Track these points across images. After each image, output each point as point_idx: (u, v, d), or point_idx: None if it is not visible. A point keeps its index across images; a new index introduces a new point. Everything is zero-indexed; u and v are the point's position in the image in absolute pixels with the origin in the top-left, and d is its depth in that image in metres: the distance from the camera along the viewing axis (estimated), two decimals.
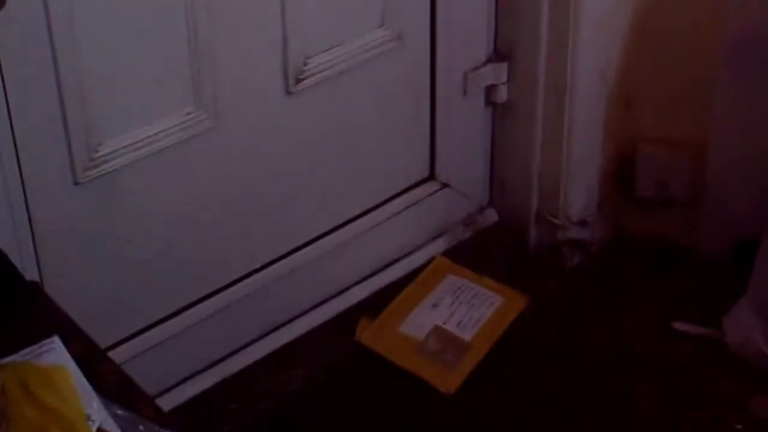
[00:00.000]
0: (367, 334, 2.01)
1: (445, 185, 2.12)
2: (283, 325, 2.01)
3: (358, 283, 2.08)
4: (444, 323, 2.02)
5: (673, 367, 1.98)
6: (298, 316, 2.02)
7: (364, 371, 1.98)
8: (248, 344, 1.97)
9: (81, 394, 1.08)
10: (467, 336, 2.00)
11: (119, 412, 1.10)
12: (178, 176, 1.75)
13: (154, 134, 1.69)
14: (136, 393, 1.15)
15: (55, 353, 1.14)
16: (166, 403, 1.86)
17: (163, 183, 1.74)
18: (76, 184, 1.64)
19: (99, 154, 1.64)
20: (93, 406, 1.08)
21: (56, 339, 1.15)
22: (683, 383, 1.95)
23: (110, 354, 1.77)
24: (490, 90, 2.09)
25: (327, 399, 1.94)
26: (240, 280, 1.93)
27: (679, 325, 2.04)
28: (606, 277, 2.14)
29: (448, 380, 1.94)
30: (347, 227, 2.04)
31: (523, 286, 2.10)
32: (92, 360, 1.16)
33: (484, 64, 2.07)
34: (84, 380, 1.11)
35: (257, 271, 1.94)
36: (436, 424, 1.90)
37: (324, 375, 1.97)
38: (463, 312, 2.03)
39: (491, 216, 2.21)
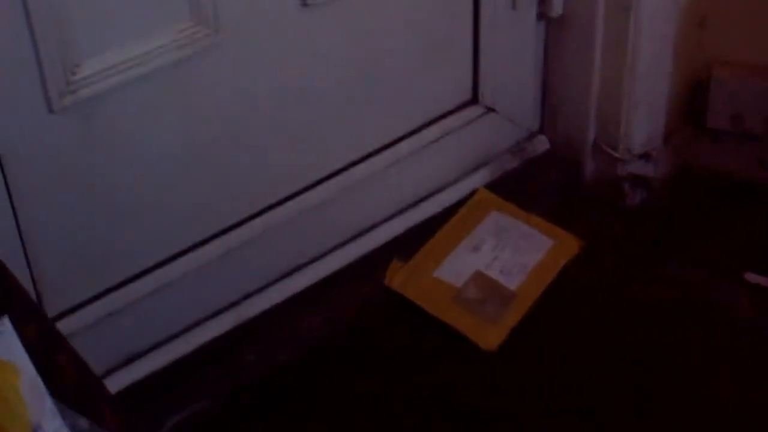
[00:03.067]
0: (398, 278, 1.78)
1: (489, 109, 1.87)
2: (303, 266, 1.77)
3: (389, 219, 1.84)
4: (486, 269, 1.78)
5: (742, 323, 1.74)
6: (319, 257, 1.79)
7: (394, 320, 1.76)
8: (264, 287, 1.74)
9: (29, 401, 0.86)
10: (511, 284, 1.76)
11: (78, 422, 0.87)
12: (174, 102, 1.52)
13: (144, 53, 1.44)
14: (97, 391, 0.92)
15: (2, 340, 0.91)
16: (171, 351, 1.66)
17: (156, 110, 1.50)
18: (51, 112, 1.40)
19: (77, 77, 1.40)
20: (44, 415, 0.86)
21: (6, 321, 0.92)
22: (752, 342, 1.71)
23: (103, 300, 1.58)
24: (542, 2, 1.83)
25: (350, 350, 1.72)
26: (253, 217, 1.70)
27: (751, 277, 1.79)
28: (670, 219, 1.90)
29: (488, 335, 1.71)
30: (377, 157, 1.80)
31: (576, 226, 1.86)
32: (49, 348, 0.93)
33: None
34: (36, 378, 0.88)
35: (273, 207, 1.71)
36: (474, 384, 1.67)
37: (348, 323, 1.75)
38: (508, 256, 1.79)
39: (542, 143, 1.96)
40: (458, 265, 1.78)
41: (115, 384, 1.62)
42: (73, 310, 1.58)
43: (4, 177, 1.39)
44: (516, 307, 1.74)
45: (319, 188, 1.76)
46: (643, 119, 1.85)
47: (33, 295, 1.51)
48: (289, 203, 1.73)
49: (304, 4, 1.57)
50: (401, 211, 1.85)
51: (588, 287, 1.79)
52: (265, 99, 1.61)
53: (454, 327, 1.72)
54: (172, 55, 1.48)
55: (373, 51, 1.70)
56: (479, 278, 1.76)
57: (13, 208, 1.42)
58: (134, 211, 1.56)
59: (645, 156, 1.88)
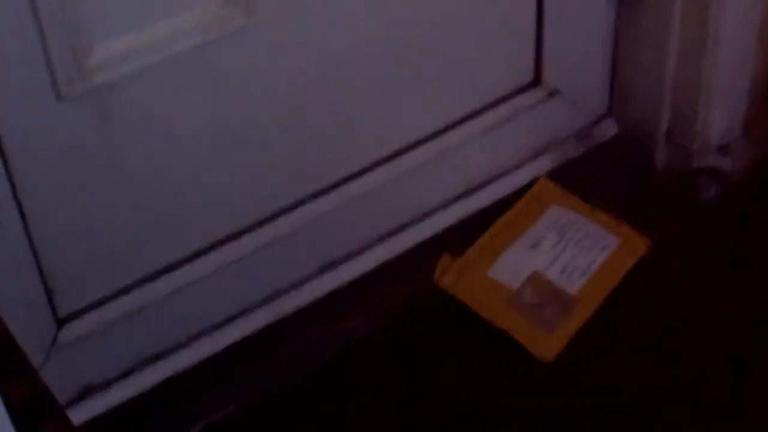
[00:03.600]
0: (448, 276, 1.62)
1: (553, 92, 1.70)
2: (344, 260, 1.63)
3: (439, 209, 1.68)
4: (544, 269, 1.62)
5: None
6: (362, 251, 1.64)
7: (442, 322, 1.61)
8: (301, 283, 1.59)
9: None
10: (572, 288, 1.60)
11: None
12: (199, 90, 1.36)
13: (165, 37, 1.29)
14: None
15: None
16: (197, 352, 1.52)
17: (179, 98, 1.35)
18: (59, 99, 1.25)
19: (89, 61, 1.25)
20: None
21: None
22: None
23: (122, 299, 1.44)
24: None
25: (392, 354, 1.57)
26: (290, 209, 1.55)
27: None
28: (749, 217, 1.72)
29: (545, 344, 1.55)
30: (429, 143, 1.65)
31: (644, 222, 1.69)
32: (36, 412, 0.78)
33: None
34: None
35: (312, 197, 1.56)
36: (528, 395, 1.52)
37: (391, 324, 1.60)
38: (569, 256, 1.63)
39: (610, 128, 1.80)
40: (514, 263, 1.62)
41: (137, 386, 1.49)
42: (90, 308, 1.45)
43: (7, 168, 1.24)
44: (576, 314, 1.58)
45: (363, 178, 1.60)
46: (724, 108, 1.68)
47: (42, 293, 1.37)
48: (332, 194, 1.58)
49: None
50: (454, 201, 1.70)
51: (656, 293, 1.62)
52: (302, 84, 1.45)
53: (508, 333, 1.56)
54: (198, 38, 1.32)
55: (423, 27, 1.54)
56: (537, 280, 1.61)
57: (18, 201, 1.27)
58: (159, 205, 1.42)
59: (723, 148, 1.71)
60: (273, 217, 1.54)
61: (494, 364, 1.55)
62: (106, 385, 1.49)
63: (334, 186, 1.58)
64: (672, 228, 1.70)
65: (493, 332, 1.58)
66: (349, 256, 1.63)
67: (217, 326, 1.55)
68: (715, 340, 1.57)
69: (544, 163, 1.75)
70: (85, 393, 1.48)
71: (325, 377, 1.55)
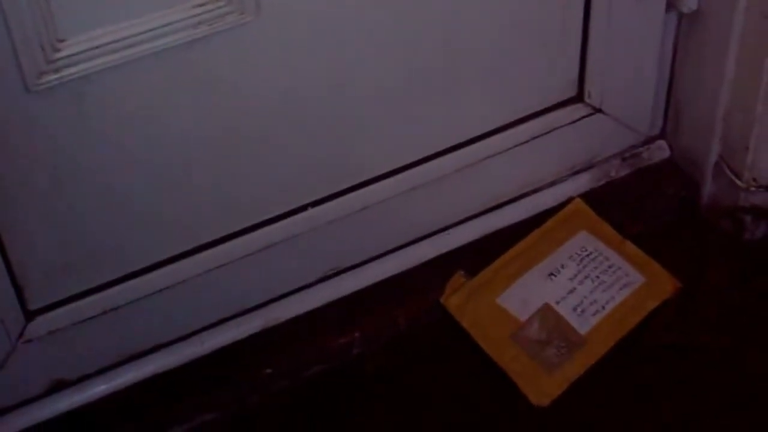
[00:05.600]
0: (456, 297, 1.53)
1: (596, 110, 1.58)
2: (348, 269, 1.55)
3: (460, 223, 1.59)
4: (556, 303, 1.51)
5: None
6: (369, 260, 1.56)
7: (441, 346, 1.52)
8: (298, 290, 1.52)
9: None
10: (583, 328, 1.49)
11: None
12: (186, 88, 1.28)
13: (149, 30, 1.21)
14: None
15: None
16: (178, 356, 1.47)
17: (163, 96, 1.28)
18: (27, 91, 1.19)
19: (61, 54, 1.18)
20: None
21: None
22: None
23: (96, 297, 1.40)
24: None
25: (382, 377, 1.49)
26: (294, 212, 1.47)
27: None
28: None
29: (541, 386, 1.45)
30: (451, 155, 1.55)
31: (680, 255, 1.56)
32: None
33: None
34: None
35: (315, 204, 1.48)
36: None
37: (389, 342, 1.52)
38: (587, 290, 1.52)
39: (661, 151, 1.67)
40: (527, 292, 1.52)
41: (112, 384, 1.45)
42: (63, 303, 1.40)
43: None
44: (582, 356, 1.47)
45: (379, 185, 1.52)
46: None
47: (9, 285, 1.33)
48: (340, 199, 1.50)
49: None
50: (477, 215, 1.60)
51: (676, 342, 1.50)
52: (305, 89, 1.37)
53: (504, 371, 1.47)
54: (186, 33, 1.24)
55: (454, 31, 1.43)
56: (547, 313, 1.50)
57: None
58: (137, 204, 1.36)
59: None
60: (267, 222, 1.46)
61: (486, 401, 1.46)
62: (79, 381, 1.44)
63: (341, 193, 1.49)
64: (709, 268, 1.57)
65: (489, 363, 1.48)
66: (355, 266, 1.55)
67: (202, 330, 1.49)
68: (744, 408, 1.44)
69: (583, 182, 1.64)
70: (56, 388, 1.43)
71: (309, 392, 1.49)
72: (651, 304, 1.51)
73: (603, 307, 1.50)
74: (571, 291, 1.51)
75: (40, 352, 1.40)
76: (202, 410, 1.47)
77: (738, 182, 1.56)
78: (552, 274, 1.53)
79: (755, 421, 1.41)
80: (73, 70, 1.20)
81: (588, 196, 1.63)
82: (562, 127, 1.58)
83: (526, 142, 1.57)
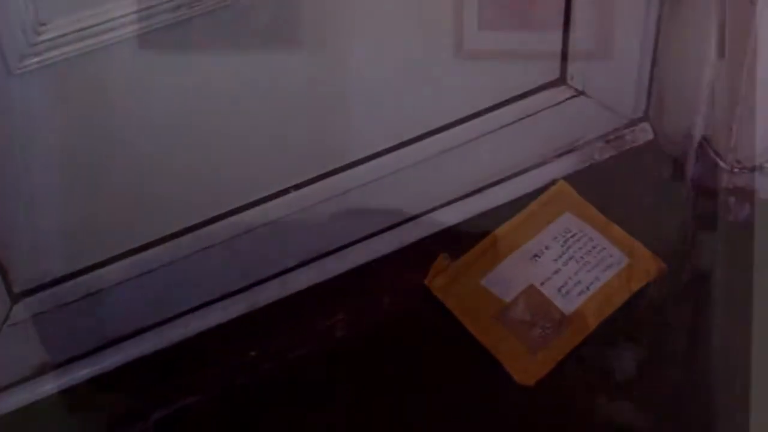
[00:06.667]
0: (440, 279, 1.53)
1: (579, 93, 1.58)
2: (332, 252, 1.55)
3: (444, 206, 1.59)
4: (541, 284, 1.51)
5: None
6: (353, 243, 1.56)
7: (426, 328, 1.52)
8: (280, 274, 1.52)
9: None
10: (568, 307, 1.50)
11: None
12: (168, 72, 1.29)
13: (126, 15, 1.21)
14: None
15: None
16: (165, 337, 1.47)
17: (147, 78, 1.28)
18: (9, 74, 1.19)
19: (42, 38, 1.19)
20: None
21: None
22: None
23: (81, 279, 1.40)
24: None
25: (368, 357, 1.49)
26: (280, 194, 1.48)
27: None
28: None
29: (527, 366, 1.46)
30: (436, 137, 1.55)
31: (664, 236, 1.56)
32: None
33: None
34: None
35: (298, 187, 1.48)
36: (501, 419, 1.43)
37: (372, 326, 1.52)
38: (571, 271, 1.53)
39: (644, 133, 1.67)
40: (511, 273, 1.52)
41: (98, 366, 1.45)
42: (49, 285, 1.41)
43: None
44: (567, 337, 1.48)
45: (360, 168, 1.52)
46: (760, 128, 1.54)
47: None
48: (324, 181, 1.51)
49: None
50: (461, 198, 1.60)
51: (661, 325, 1.50)
52: (286, 72, 1.37)
53: (490, 350, 1.47)
54: (167, 16, 1.25)
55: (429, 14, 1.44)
56: (531, 294, 1.51)
57: None
58: (121, 186, 1.37)
59: (758, 168, 1.57)
60: (251, 205, 1.47)
61: (469, 378, 1.46)
62: (66, 363, 1.45)
63: (323, 176, 1.50)
64: (694, 249, 1.57)
65: (475, 344, 1.49)
66: (339, 248, 1.55)
67: (187, 312, 1.49)
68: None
69: (567, 165, 1.64)
70: (42, 370, 1.44)
71: (294, 375, 1.49)
72: (635, 285, 1.52)
73: (587, 288, 1.50)
74: (556, 272, 1.52)
75: (25, 336, 1.40)
76: (187, 392, 1.47)
77: (722, 164, 1.57)
78: (536, 255, 1.54)
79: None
80: (54, 53, 1.21)
81: (572, 179, 1.63)
82: (544, 109, 1.58)
83: (509, 125, 1.57)
